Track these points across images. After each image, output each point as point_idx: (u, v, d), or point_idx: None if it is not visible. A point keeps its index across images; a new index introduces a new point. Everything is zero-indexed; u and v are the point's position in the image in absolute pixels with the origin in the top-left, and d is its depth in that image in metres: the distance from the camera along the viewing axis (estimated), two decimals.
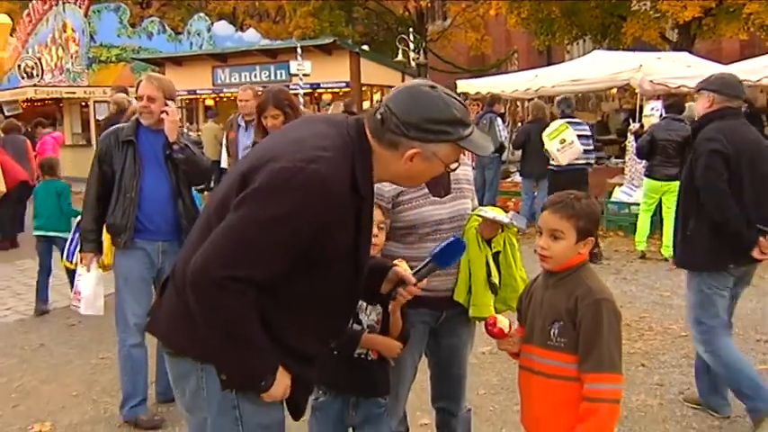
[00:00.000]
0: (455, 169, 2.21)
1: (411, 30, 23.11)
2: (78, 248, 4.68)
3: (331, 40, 17.28)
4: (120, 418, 4.49)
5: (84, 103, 20.28)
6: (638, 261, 8.49)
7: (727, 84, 4.31)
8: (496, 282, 2.92)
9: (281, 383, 2.11)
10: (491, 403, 4.52)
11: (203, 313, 2.01)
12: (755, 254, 4.00)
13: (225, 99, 18.32)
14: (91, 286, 4.53)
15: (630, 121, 11.39)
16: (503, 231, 2.97)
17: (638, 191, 9.73)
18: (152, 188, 4.28)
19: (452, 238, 2.53)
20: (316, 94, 17.21)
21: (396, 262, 2.56)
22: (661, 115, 10.62)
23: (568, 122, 8.68)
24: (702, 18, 18.07)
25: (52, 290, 7.95)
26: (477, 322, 3.06)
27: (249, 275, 1.96)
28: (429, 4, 28.20)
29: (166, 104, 4.27)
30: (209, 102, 18.33)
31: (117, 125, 4.50)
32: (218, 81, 17.35)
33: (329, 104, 12.94)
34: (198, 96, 18.35)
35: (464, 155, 2.44)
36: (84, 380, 5.27)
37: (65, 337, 6.32)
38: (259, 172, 2.00)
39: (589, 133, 9.50)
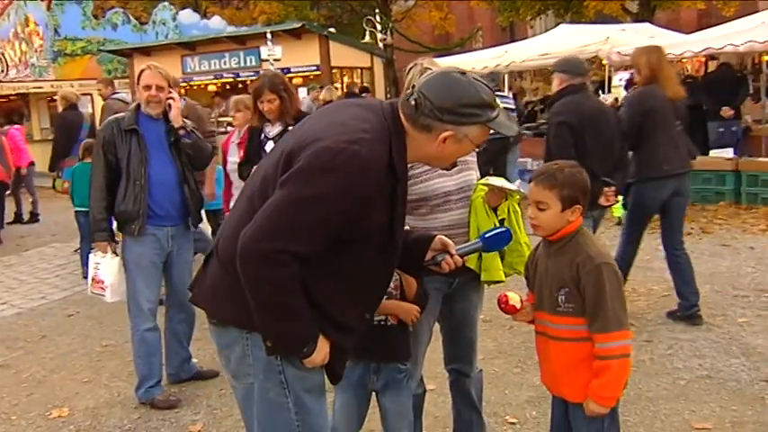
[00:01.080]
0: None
1: (377, 11, 23.18)
2: (91, 239, 4.70)
3: (300, 25, 17.32)
4: (136, 400, 4.64)
5: (51, 98, 20.06)
6: (615, 227, 8.77)
7: (570, 64, 5.20)
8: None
9: (321, 350, 2.26)
10: (491, 367, 4.73)
11: (251, 284, 2.16)
12: (602, 201, 4.94)
13: (195, 87, 18.29)
14: (114, 273, 4.58)
15: (600, 92, 11.65)
16: (506, 200, 3.16)
17: None
18: (159, 174, 4.42)
19: (504, 228, 2.71)
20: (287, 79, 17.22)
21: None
22: (626, 86, 10.96)
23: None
24: None
25: (45, 283, 8.07)
26: (487, 286, 3.26)
27: (294, 249, 2.10)
28: None
29: (170, 92, 4.43)
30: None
31: (118, 114, 4.60)
32: (188, 69, 17.31)
33: (320, 87, 13.03)
34: None
35: None
36: (92, 366, 5.40)
37: (65, 327, 6.43)
38: (303, 152, 2.15)
39: (512, 106, 10.56)
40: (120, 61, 20.88)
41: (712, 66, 11.80)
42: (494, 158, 9.31)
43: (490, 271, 3.10)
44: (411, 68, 3.17)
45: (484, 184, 3.11)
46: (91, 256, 4.70)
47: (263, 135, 5.03)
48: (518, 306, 2.75)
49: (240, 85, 17.88)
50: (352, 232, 2.19)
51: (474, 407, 3.44)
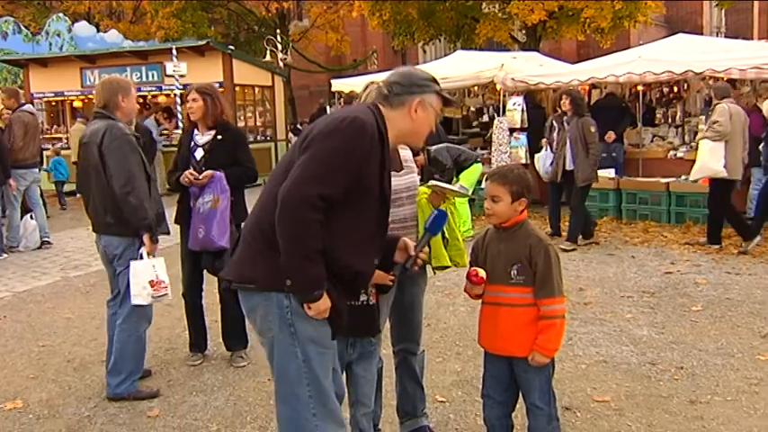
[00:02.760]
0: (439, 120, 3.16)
1: (278, 31, 23.59)
2: (149, 239, 4.68)
3: (204, 42, 17.47)
4: (88, 391, 4.94)
5: None
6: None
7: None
8: (448, 239, 3.70)
9: (326, 301, 2.81)
10: None
11: (289, 226, 2.69)
12: None
13: (94, 100, 18.04)
14: (165, 270, 4.77)
15: (496, 115, 12.47)
16: (445, 201, 3.73)
17: None
18: None
19: (436, 212, 3.32)
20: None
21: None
22: (523, 110, 11.86)
23: None
24: (547, 21, 19.69)
25: None
26: (435, 272, 3.83)
27: (324, 192, 2.68)
28: (291, 6, 28.79)
29: None
30: (78, 103, 18.04)
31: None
32: (87, 83, 17.09)
33: None
34: (65, 98, 18.03)
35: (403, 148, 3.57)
36: (35, 365, 5.58)
37: None
38: (315, 128, 2.84)
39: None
40: (9, 71, 20.37)
41: (595, 94, 12.90)
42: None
43: (439, 258, 3.66)
44: (368, 86, 3.68)
45: (428, 186, 3.67)
46: (141, 262, 4.67)
47: (192, 143, 5.26)
48: (485, 277, 3.32)
49: (141, 100, 17.90)
50: (357, 184, 2.79)
51: (418, 382, 3.96)
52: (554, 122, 9.74)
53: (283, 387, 2.93)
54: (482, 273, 3.33)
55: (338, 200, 2.75)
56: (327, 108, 14.32)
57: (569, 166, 9.26)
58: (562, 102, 9.35)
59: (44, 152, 12.18)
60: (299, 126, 23.55)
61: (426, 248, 3.27)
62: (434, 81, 3.11)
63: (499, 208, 3.31)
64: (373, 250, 3.02)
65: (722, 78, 10.15)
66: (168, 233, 4.98)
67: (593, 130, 9.08)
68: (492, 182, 3.34)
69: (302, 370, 2.87)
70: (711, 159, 8.60)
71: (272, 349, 2.92)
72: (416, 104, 2.99)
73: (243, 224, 2.98)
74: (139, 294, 4.65)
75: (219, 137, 5.21)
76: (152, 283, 4.64)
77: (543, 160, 9.88)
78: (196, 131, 5.26)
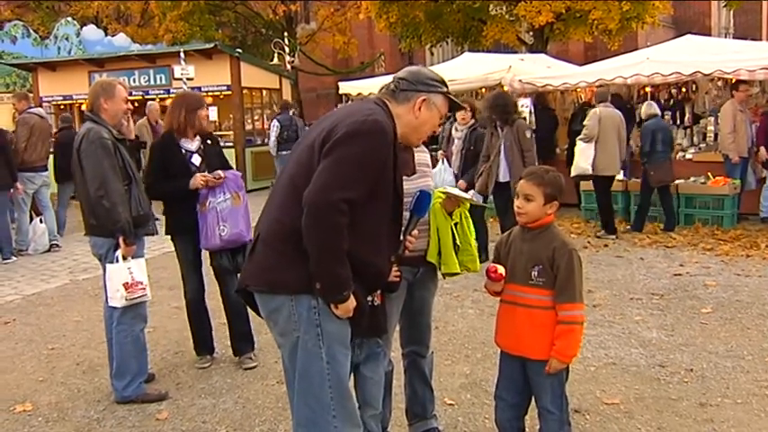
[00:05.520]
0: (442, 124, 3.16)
1: (285, 34, 23.61)
2: (124, 242, 4.67)
3: (212, 45, 17.51)
4: (97, 394, 4.97)
5: None
6: None
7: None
8: (459, 244, 3.69)
9: (352, 301, 2.86)
10: None
11: (318, 230, 2.72)
12: None
13: None
14: (145, 271, 4.81)
15: None
16: (459, 207, 3.73)
17: None
18: None
19: (418, 192, 3.35)
20: None
21: None
22: (530, 111, 11.84)
23: None
24: (554, 22, 19.64)
25: None
26: (445, 278, 3.82)
27: (349, 196, 2.71)
28: (298, 9, 28.81)
29: None
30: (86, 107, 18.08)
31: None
32: None
33: None
34: (74, 101, 18.09)
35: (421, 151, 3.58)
36: (44, 368, 5.60)
37: (4, 333, 6.57)
38: (336, 129, 2.82)
39: None
40: (18, 75, 20.45)
41: None
42: None
43: (449, 265, 3.64)
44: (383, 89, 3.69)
45: (442, 192, 3.67)
46: (116, 265, 4.69)
47: (183, 150, 5.22)
48: (504, 274, 3.32)
49: (136, 103, 17.93)
50: (377, 186, 2.83)
51: (427, 384, 3.96)
52: (452, 132, 8.88)
53: (305, 388, 2.94)
54: (501, 269, 3.33)
55: (360, 202, 2.77)
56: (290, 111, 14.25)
57: (503, 178, 8.22)
58: (460, 115, 8.49)
59: None
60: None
61: (416, 232, 3.33)
62: (443, 83, 3.14)
63: (531, 208, 3.31)
64: (389, 248, 3.06)
65: (730, 80, 10.15)
66: (154, 234, 5.02)
67: (528, 135, 8.29)
68: (527, 181, 3.35)
69: (325, 372, 2.89)
70: (581, 159, 9.72)
71: (294, 350, 2.93)
72: (420, 102, 3.05)
73: (261, 226, 3.00)
74: (113, 297, 4.70)
75: (209, 141, 5.39)
76: (126, 286, 4.66)
77: (440, 174, 8.14)
78: (183, 139, 5.26)
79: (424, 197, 3.34)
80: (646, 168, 10.16)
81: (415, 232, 3.32)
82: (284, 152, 13.26)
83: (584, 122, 9.70)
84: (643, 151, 10.19)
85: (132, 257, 4.73)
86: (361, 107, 3.01)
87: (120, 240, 4.65)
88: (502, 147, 8.21)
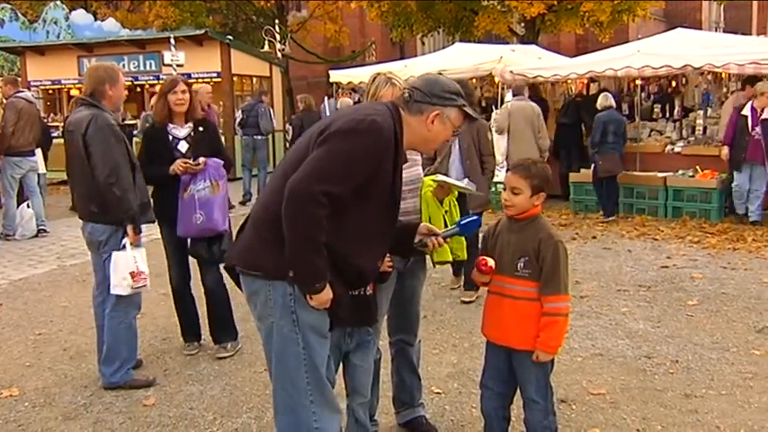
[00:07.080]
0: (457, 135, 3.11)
1: (276, 21, 23.50)
2: (132, 230, 4.67)
3: (202, 31, 17.41)
4: (84, 380, 4.95)
5: None
6: None
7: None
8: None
9: (328, 292, 2.83)
10: None
11: (295, 218, 2.70)
12: None
13: None
14: (145, 261, 4.76)
15: (493, 108, 12.48)
16: (449, 195, 3.74)
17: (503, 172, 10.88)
18: None
19: (475, 217, 3.43)
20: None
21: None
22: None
23: None
24: (546, 14, 19.65)
25: None
26: (435, 266, 3.83)
27: (331, 190, 2.68)
28: None
29: None
30: (75, 92, 17.93)
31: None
32: (85, 71, 16.99)
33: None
34: (62, 86, 17.97)
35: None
36: (31, 353, 5.59)
37: None
38: (333, 124, 2.82)
39: None
40: (6, 59, 20.27)
41: (593, 88, 12.89)
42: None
43: (440, 252, 3.64)
44: (375, 78, 3.69)
45: (433, 180, 3.67)
46: (123, 253, 4.65)
47: (170, 136, 5.22)
48: (493, 267, 3.32)
49: (139, 89, 17.85)
50: (366, 187, 2.80)
51: (415, 372, 3.98)
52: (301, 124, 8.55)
53: (281, 372, 2.95)
54: (491, 262, 3.32)
55: (347, 200, 2.76)
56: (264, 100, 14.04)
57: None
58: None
59: (54, 140, 12.03)
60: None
61: (442, 241, 3.33)
62: (458, 94, 3.01)
63: (518, 200, 3.29)
64: (379, 251, 3.04)
65: (720, 74, 10.16)
66: (153, 221, 5.01)
67: (490, 137, 7.13)
68: (514, 174, 3.33)
69: (302, 357, 2.89)
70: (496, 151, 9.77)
71: (270, 334, 2.94)
72: (434, 116, 2.95)
73: (254, 208, 3.01)
74: (119, 285, 4.66)
75: (201, 128, 5.31)
76: (132, 275, 4.63)
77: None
78: (172, 125, 5.25)
79: (475, 223, 3.40)
80: (595, 159, 10.42)
81: (440, 240, 3.32)
82: (245, 137, 13.74)
83: (493, 116, 10.16)
84: (593, 141, 10.40)
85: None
86: (366, 107, 2.99)
87: (129, 228, 4.62)
88: (455, 148, 6.53)
